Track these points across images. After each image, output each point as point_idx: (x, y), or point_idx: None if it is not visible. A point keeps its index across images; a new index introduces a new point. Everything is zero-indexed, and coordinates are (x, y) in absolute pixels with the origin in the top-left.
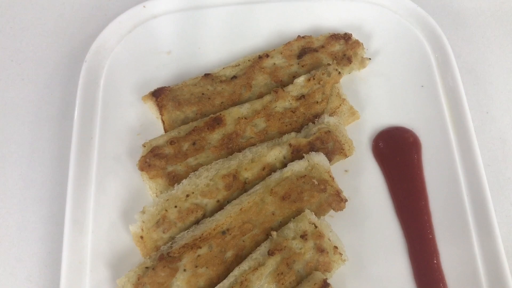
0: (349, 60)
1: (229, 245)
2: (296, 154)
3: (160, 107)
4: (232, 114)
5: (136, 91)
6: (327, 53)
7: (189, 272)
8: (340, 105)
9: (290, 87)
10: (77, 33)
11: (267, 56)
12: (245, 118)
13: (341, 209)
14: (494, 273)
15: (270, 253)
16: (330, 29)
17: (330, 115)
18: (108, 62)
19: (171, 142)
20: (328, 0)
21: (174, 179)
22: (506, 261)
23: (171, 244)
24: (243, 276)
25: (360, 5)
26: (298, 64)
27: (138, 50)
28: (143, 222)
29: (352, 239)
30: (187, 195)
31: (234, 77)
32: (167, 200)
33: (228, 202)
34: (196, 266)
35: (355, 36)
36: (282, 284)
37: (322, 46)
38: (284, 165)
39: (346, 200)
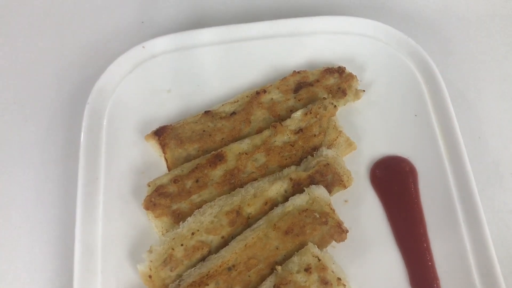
0: (343, 93)
1: (235, 281)
2: (297, 187)
3: (163, 146)
4: (233, 150)
5: (138, 130)
6: (322, 87)
7: None
8: (337, 137)
9: (288, 121)
10: (78, 75)
11: (265, 91)
12: (246, 153)
13: (342, 240)
14: None
15: (276, 287)
16: (325, 63)
17: (327, 148)
18: (110, 103)
19: (175, 180)
20: (322, 34)
21: (179, 217)
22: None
23: (178, 282)
24: None
25: (353, 38)
26: (295, 98)
27: (139, 90)
28: (151, 261)
29: (354, 269)
30: (193, 233)
31: (234, 113)
32: (173, 238)
33: (233, 237)
34: None
35: (348, 69)
36: None
37: (317, 80)
38: (286, 198)
39: (347, 231)
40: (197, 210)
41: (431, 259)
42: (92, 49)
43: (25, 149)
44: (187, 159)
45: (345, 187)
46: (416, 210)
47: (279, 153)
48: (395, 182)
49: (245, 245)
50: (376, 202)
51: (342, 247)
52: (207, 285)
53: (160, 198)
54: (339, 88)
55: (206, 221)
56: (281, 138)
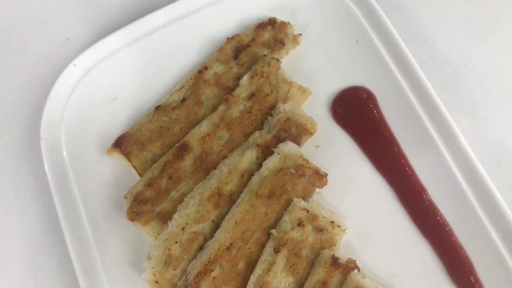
0: (282, 43)
1: (237, 258)
2: (266, 150)
3: (127, 155)
4: (195, 136)
5: (99, 147)
6: (260, 44)
7: None
8: (289, 88)
9: (238, 90)
10: (23, 110)
11: (206, 68)
12: (208, 135)
13: (324, 184)
14: (477, 190)
15: (276, 250)
16: (257, 19)
17: (283, 102)
18: (63, 129)
19: (149, 184)
20: None
21: (165, 217)
22: (482, 169)
23: (185, 277)
24: (260, 281)
25: None
26: (237, 65)
27: (86, 108)
28: (153, 267)
29: (345, 207)
30: (183, 228)
31: (184, 99)
32: (166, 239)
33: (222, 218)
34: None
35: (280, 18)
36: (297, 273)
37: (253, 39)
38: (259, 165)
39: (326, 175)
40: (180, 205)
41: (413, 173)
42: (29, 82)
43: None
44: (154, 159)
45: (311, 134)
46: (385, 133)
47: (239, 124)
48: (357, 112)
49: (235, 222)
50: (346, 138)
51: (327, 191)
52: (212, 270)
53: (141, 206)
54: (276, 40)
55: (192, 212)
56: (237, 108)
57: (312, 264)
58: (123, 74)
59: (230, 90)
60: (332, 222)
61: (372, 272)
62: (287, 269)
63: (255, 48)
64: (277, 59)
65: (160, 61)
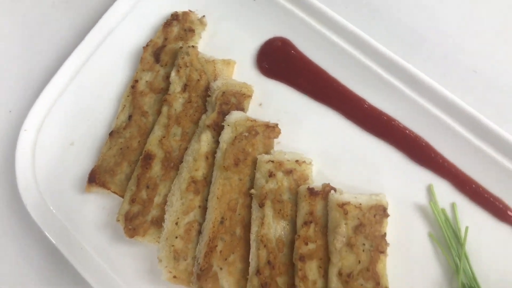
0: (191, 31)
1: (232, 227)
2: (217, 127)
3: (103, 185)
4: (153, 143)
5: (77, 189)
6: (173, 40)
7: (225, 267)
8: (214, 66)
9: (171, 88)
10: None
11: (136, 81)
12: (163, 137)
13: (278, 133)
14: (407, 81)
15: (261, 205)
16: (162, 20)
17: (215, 81)
18: (40, 188)
19: (133, 200)
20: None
21: (158, 222)
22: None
23: (197, 261)
24: (259, 236)
25: None
26: (161, 66)
27: (51, 161)
28: (166, 266)
29: (305, 143)
30: (176, 223)
31: (130, 116)
32: (167, 238)
33: (206, 200)
34: (226, 259)
35: (179, 9)
36: (287, 216)
37: (165, 39)
38: (217, 142)
39: (276, 125)
40: (166, 206)
41: (348, 90)
42: None
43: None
44: (128, 178)
45: (250, 96)
46: (312, 67)
47: (186, 116)
48: (281, 61)
49: (217, 198)
50: (282, 86)
51: (284, 137)
52: (216, 246)
53: (134, 222)
54: (185, 30)
55: (178, 207)
56: (177, 103)
57: (295, 203)
58: (70, 118)
59: (165, 90)
60: (297, 161)
61: (349, 186)
62: (277, 217)
63: (170, 45)
64: (193, 46)
65: (96, 93)
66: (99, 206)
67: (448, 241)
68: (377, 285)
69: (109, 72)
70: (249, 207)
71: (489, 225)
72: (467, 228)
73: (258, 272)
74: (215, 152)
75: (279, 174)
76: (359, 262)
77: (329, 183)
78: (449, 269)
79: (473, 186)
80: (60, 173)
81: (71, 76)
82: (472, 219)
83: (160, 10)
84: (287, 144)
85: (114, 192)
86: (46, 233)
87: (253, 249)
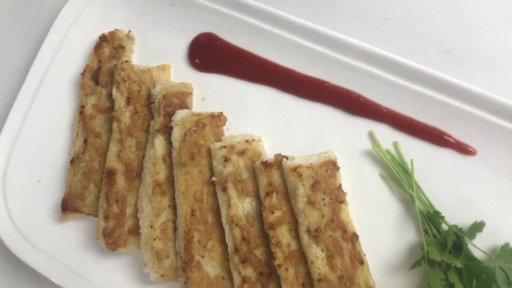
0: (122, 47)
1: (204, 216)
2: (167, 129)
3: (76, 210)
4: (112, 159)
5: (54, 219)
6: (107, 60)
7: (206, 254)
8: (151, 74)
9: (116, 104)
10: None
11: (83, 106)
12: (120, 151)
13: (225, 120)
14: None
15: (224, 189)
16: (93, 44)
17: (154, 88)
18: (18, 225)
19: (106, 217)
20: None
21: (135, 230)
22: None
23: (179, 256)
24: (229, 218)
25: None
26: (102, 87)
27: (23, 200)
28: (152, 268)
29: (252, 123)
30: (151, 226)
31: (85, 140)
32: (146, 242)
33: (174, 198)
34: (205, 246)
35: (105, 31)
36: (250, 192)
37: (99, 61)
38: (170, 143)
39: (221, 113)
40: (137, 213)
41: (278, 65)
42: None
43: None
44: (97, 197)
45: (191, 93)
46: (242, 54)
47: (136, 126)
48: (211, 54)
49: (183, 193)
50: (221, 77)
51: (232, 123)
52: (193, 237)
53: (112, 236)
54: (115, 48)
55: (149, 211)
56: (125, 117)
57: (255, 179)
58: (31, 158)
59: (111, 108)
60: (247, 141)
61: (299, 152)
62: (240, 196)
63: (106, 66)
64: (126, 61)
65: (49, 128)
66: (78, 230)
67: (399, 176)
68: (345, 232)
69: (56, 106)
70: (214, 194)
71: (431, 153)
72: (412, 160)
73: (236, 250)
74: (171, 153)
75: (234, 157)
76: (323, 216)
77: (279, 153)
78: (406, 201)
79: (408, 122)
80: (34, 210)
81: (22, 119)
82: (415, 151)
83: (89, 36)
84: (236, 129)
85: (89, 214)
86: (35, 268)
87: (227, 231)
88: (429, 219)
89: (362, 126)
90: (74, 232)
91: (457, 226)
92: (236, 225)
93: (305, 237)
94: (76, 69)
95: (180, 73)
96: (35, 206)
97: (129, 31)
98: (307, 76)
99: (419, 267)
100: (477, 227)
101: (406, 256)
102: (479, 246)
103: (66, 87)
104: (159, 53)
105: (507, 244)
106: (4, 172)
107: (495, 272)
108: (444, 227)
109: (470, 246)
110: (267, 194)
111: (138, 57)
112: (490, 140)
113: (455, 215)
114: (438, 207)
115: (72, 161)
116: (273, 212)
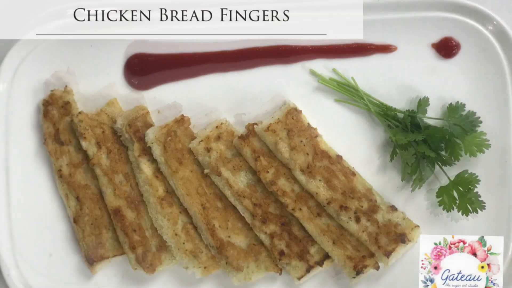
0: (67, 104)
1: (214, 205)
2: (147, 152)
3: (103, 258)
4: (110, 199)
5: (83, 276)
6: (60, 119)
7: (230, 233)
8: (105, 113)
9: (89, 153)
10: None
11: (59, 170)
12: (114, 190)
13: (188, 120)
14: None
15: (218, 174)
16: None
17: (115, 123)
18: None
19: (133, 248)
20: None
21: (162, 247)
22: None
23: (210, 246)
24: (235, 195)
25: None
26: (68, 145)
27: (43, 280)
28: (194, 267)
29: (215, 109)
30: (176, 234)
31: (77, 197)
32: (178, 249)
33: (181, 205)
34: (227, 228)
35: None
36: (241, 167)
37: (53, 124)
38: (155, 161)
39: (182, 115)
40: (158, 231)
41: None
42: None
43: None
44: (115, 238)
45: (148, 112)
46: (176, 56)
47: (117, 162)
48: (147, 70)
49: (187, 195)
50: (164, 86)
51: (195, 120)
52: (213, 225)
53: (146, 260)
54: (62, 106)
55: (166, 223)
56: (103, 159)
57: (240, 154)
58: (33, 236)
59: (87, 158)
60: (217, 127)
61: (262, 115)
62: (235, 173)
63: (62, 125)
64: (80, 113)
65: (35, 206)
66: (109, 277)
67: (349, 95)
68: (330, 158)
69: (31, 184)
70: (213, 183)
71: (363, 64)
72: (352, 78)
73: (253, 216)
74: (159, 169)
75: (213, 145)
76: (307, 154)
77: (248, 123)
78: (364, 112)
79: (335, 47)
80: (59, 279)
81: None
82: (352, 69)
83: (31, 106)
84: (201, 122)
85: (114, 256)
86: None
87: (238, 206)
88: (387, 116)
89: (299, 69)
90: (106, 280)
91: (409, 110)
92: (244, 197)
93: (302, 178)
94: (37, 140)
95: (127, 99)
96: (57, 276)
97: (65, 86)
98: (236, 50)
99: (397, 156)
100: (424, 103)
101: (384, 154)
102: (431, 116)
103: (33, 159)
104: (101, 91)
105: (450, 104)
106: (16, 263)
107: (449, 128)
108: (400, 115)
109: (426, 120)
110: (256, 160)
111: (86, 102)
112: (404, 34)
113: (403, 103)
114: (388, 103)
115: (75, 221)
116: (267, 172)
